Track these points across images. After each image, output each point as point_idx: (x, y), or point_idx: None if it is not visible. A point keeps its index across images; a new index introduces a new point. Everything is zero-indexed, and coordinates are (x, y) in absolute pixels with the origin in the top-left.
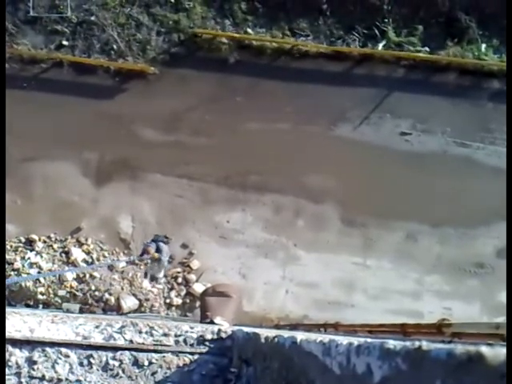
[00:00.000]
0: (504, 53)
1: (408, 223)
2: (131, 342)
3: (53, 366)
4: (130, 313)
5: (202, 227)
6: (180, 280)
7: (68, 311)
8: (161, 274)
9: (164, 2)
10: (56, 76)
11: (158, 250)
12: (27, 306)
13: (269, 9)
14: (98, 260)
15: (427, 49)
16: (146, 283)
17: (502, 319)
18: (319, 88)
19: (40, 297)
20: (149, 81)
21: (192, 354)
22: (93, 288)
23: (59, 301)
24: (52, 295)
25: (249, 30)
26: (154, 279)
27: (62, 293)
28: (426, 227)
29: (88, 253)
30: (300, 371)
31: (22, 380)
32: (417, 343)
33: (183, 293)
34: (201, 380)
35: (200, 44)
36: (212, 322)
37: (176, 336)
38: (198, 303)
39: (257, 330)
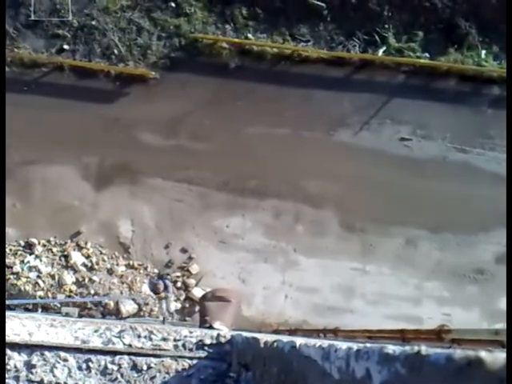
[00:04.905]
0: (504, 59)
1: (407, 229)
2: (130, 346)
3: (51, 370)
4: (128, 317)
5: (201, 232)
6: (179, 284)
7: (67, 315)
8: (171, 309)
9: (165, 6)
10: (57, 80)
11: (166, 288)
12: (26, 309)
13: (269, 14)
14: (98, 264)
15: (427, 55)
16: (146, 288)
17: (502, 325)
18: (319, 93)
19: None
20: (149, 85)
21: (191, 358)
22: (92, 292)
23: (58, 305)
24: (51, 299)
25: (249, 36)
26: (166, 317)
27: (61, 297)
28: (426, 233)
29: (87, 257)
30: (299, 376)
31: None
32: (416, 348)
33: (182, 297)
34: None
35: (201, 49)
36: (211, 327)
37: (175, 340)
38: (197, 308)
39: (256, 335)
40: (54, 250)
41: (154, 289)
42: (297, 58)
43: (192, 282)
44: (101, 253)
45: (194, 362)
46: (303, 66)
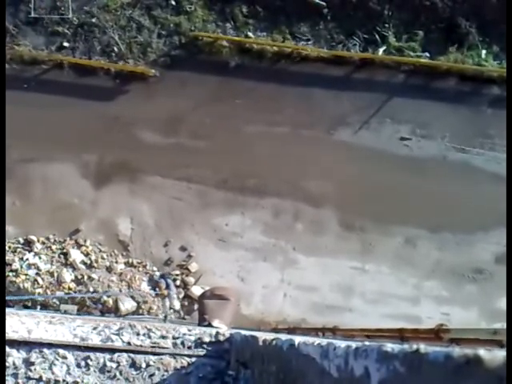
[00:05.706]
0: (504, 59)
1: (407, 228)
2: (129, 343)
3: (50, 368)
4: (127, 315)
5: (200, 230)
6: (178, 283)
7: (66, 312)
8: (175, 307)
9: (165, 4)
10: (56, 77)
11: (167, 286)
12: (25, 307)
13: (270, 13)
14: (97, 262)
15: (427, 54)
16: (145, 285)
17: (500, 325)
18: (319, 92)
19: (38, 298)
20: (149, 83)
21: (190, 356)
22: (91, 290)
23: (57, 302)
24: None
25: (249, 34)
26: (168, 315)
27: (59, 294)
28: (425, 232)
29: (86, 254)
30: (298, 374)
31: (19, 381)
32: (414, 346)
33: (181, 295)
34: (198, 383)
35: (201, 47)
36: (210, 325)
37: (174, 338)
38: (196, 306)
39: (255, 333)
40: (53, 247)
41: (156, 287)
42: (297, 57)
43: (191, 280)
44: (100, 250)
45: (193, 359)
46: (303, 65)
